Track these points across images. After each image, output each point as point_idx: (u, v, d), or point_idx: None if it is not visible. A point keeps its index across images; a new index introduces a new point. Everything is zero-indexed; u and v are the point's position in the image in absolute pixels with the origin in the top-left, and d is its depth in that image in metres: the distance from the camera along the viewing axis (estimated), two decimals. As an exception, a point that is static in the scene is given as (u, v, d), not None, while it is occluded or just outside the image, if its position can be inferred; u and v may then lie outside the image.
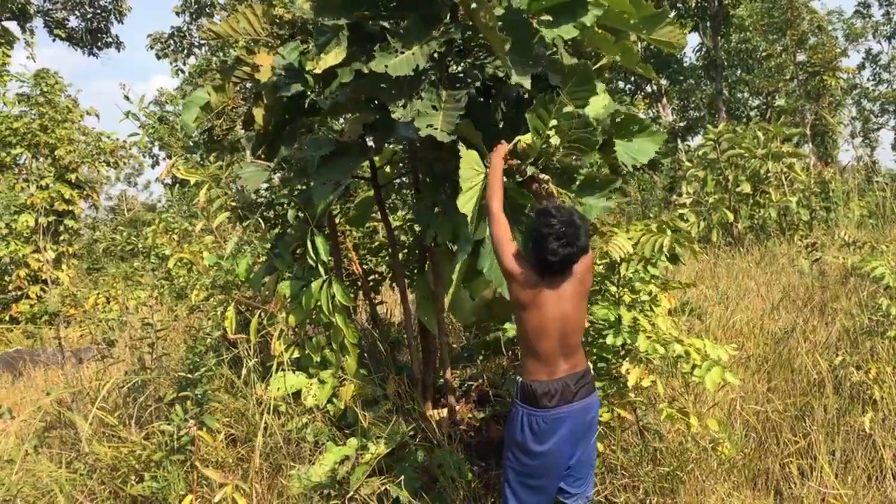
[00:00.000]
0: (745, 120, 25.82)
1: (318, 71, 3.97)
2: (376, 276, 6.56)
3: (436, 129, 3.80)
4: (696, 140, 26.35)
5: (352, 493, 4.33)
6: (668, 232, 4.11)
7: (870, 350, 4.69)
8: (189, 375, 4.39)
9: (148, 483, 4.12)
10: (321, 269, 4.66)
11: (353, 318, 5.18)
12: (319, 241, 4.61)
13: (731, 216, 10.42)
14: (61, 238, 12.84)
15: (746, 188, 10.50)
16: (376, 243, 6.43)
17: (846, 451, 4.07)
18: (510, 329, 5.18)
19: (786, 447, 4.22)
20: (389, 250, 5.54)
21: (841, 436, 4.13)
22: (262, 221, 5.30)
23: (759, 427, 4.32)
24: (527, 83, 3.74)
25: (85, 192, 12.99)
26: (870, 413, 4.11)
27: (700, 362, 3.77)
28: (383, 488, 4.47)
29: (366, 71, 3.95)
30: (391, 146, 5.41)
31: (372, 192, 5.34)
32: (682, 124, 30.20)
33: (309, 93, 4.42)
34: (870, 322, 4.89)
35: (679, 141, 25.99)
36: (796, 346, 4.93)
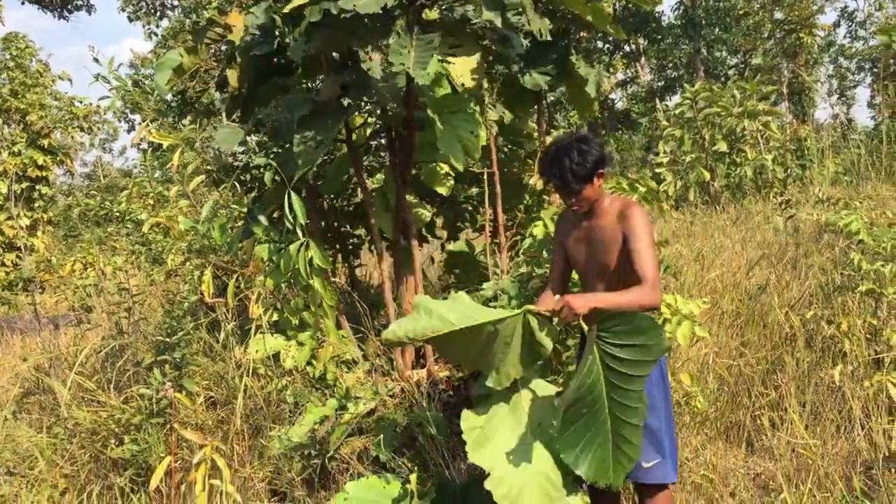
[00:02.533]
0: (722, 79, 25.83)
1: (286, 10, 3.94)
2: (355, 239, 6.56)
3: (407, 67, 3.79)
4: (675, 99, 26.36)
5: (332, 452, 4.38)
6: (639, 189, 4.15)
7: (841, 304, 4.76)
8: (167, 339, 4.39)
9: (128, 446, 4.14)
10: (299, 232, 4.65)
11: (332, 281, 5.18)
12: (297, 203, 4.59)
13: (707, 175, 10.47)
14: (35, 205, 12.69)
15: (723, 147, 10.54)
16: (354, 206, 6.40)
17: (816, 403, 4.15)
18: (487, 290, 5.20)
19: (757, 400, 4.31)
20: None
21: (811, 388, 4.21)
22: (238, 185, 5.27)
23: (731, 381, 4.40)
24: (498, 21, 3.78)
25: (58, 158, 12.82)
26: (840, 366, 4.19)
27: (671, 317, 3.82)
28: (363, 447, 4.52)
29: (335, 12, 3.88)
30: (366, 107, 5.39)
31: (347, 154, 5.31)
32: (660, 84, 30.21)
33: (283, 45, 4.38)
34: (842, 277, 4.96)
35: (657, 100, 25.98)
36: (769, 301, 5.00)
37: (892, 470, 3.31)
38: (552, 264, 3.47)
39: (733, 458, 4.02)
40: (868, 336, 4.40)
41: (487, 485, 2.89)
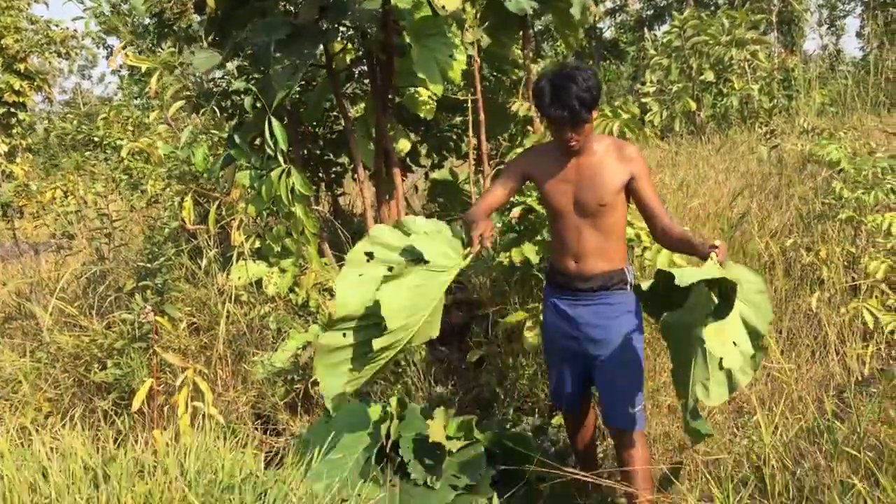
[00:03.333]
0: (712, 7, 25.46)
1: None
2: (337, 167, 6.51)
3: None
4: (664, 28, 26.00)
5: (314, 377, 4.42)
6: (621, 116, 4.12)
7: (821, 233, 4.79)
8: (148, 265, 4.39)
9: (111, 370, 4.16)
10: (280, 159, 4.60)
11: (314, 209, 5.16)
12: (277, 128, 4.53)
13: (693, 105, 10.41)
14: (14, 131, 12.47)
15: (710, 76, 10.46)
16: (336, 134, 6.34)
17: (792, 329, 4.21)
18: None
19: (735, 327, 4.35)
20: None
21: (788, 315, 4.26)
22: (217, 111, 5.19)
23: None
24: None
25: (36, 84, 12.54)
26: (817, 293, 4.24)
27: (651, 245, 3.84)
28: (346, 373, 4.57)
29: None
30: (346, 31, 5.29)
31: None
32: (649, 13, 29.76)
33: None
34: (822, 206, 4.98)
35: (646, 29, 25.63)
36: (750, 230, 5.02)
37: (864, 393, 3.37)
38: (493, 188, 3.21)
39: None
40: (846, 264, 4.45)
41: None
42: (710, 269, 2.59)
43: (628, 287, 3.14)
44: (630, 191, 3.05)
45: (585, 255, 3.10)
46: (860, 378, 3.73)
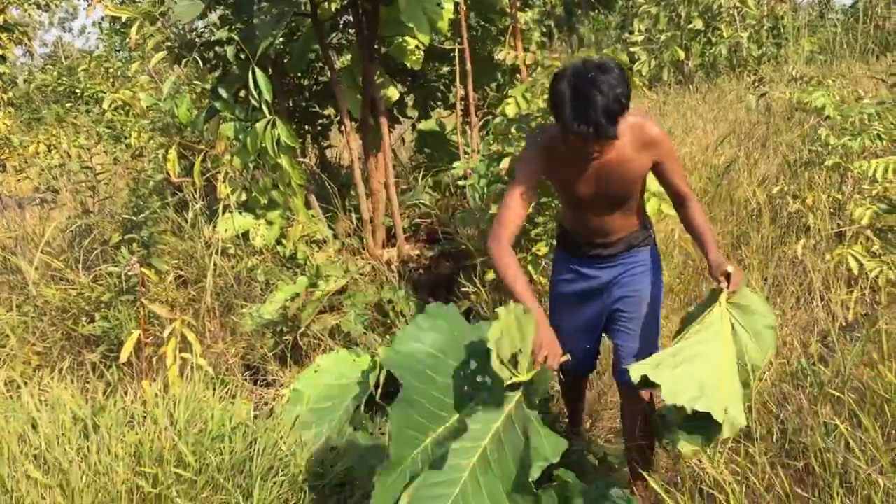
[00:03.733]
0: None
1: None
2: (324, 119, 6.45)
3: None
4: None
5: (303, 328, 4.44)
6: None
7: (808, 180, 4.80)
8: (133, 218, 4.36)
9: (99, 323, 4.16)
10: (265, 110, 4.55)
11: (300, 161, 5.12)
12: (262, 79, 4.48)
13: (682, 54, 10.33)
14: (-6, 84, 12.29)
15: (699, 24, 10.37)
16: (322, 85, 6.27)
17: (778, 276, 4.24)
18: (458, 167, 5.18)
19: (721, 274, 4.38)
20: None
21: (774, 262, 4.29)
22: (200, 61, 5.11)
23: (696, 256, 4.46)
24: None
25: (16, 36, 12.32)
26: (803, 240, 4.26)
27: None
28: (334, 324, 4.59)
29: None
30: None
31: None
32: (638, -39, 29.37)
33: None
34: (809, 153, 4.98)
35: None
36: (737, 178, 5.03)
37: (848, 337, 3.41)
38: (512, 208, 2.75)
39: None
40: (832, 211, 4.46)
41: None
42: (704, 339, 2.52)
43: (652, 243, 3.04)
44: (655, 172, 2.83)
45: (609, 233, 2.91)
46: (844, 323, 3.76)
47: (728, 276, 2.58)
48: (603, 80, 2.42)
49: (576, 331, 3.09)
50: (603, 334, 3.15)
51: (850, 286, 4.06)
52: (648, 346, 2.98)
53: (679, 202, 2.90)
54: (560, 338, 2.74)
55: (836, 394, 2.72)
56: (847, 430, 2.46)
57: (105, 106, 5.05)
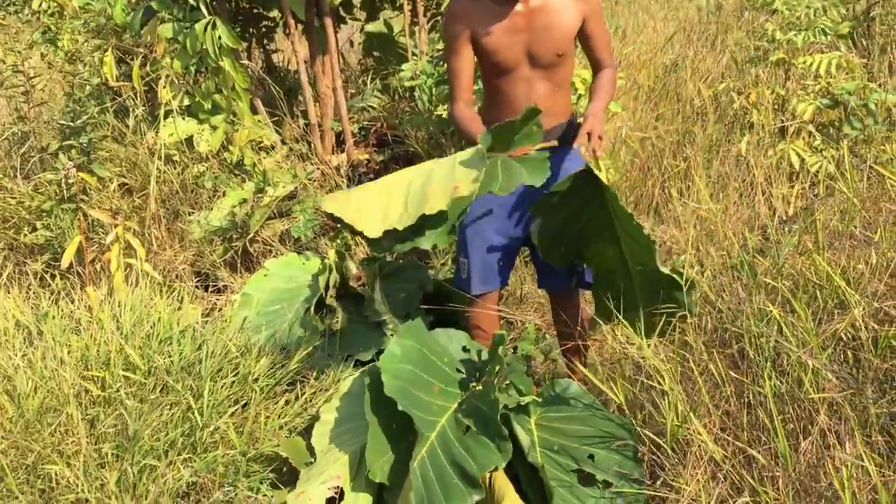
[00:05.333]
0: None
1: None
2: (268, 21, 6.26)
3: None
4: None
5: (252, 234, 4.42)
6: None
7: (754, 77, 4.82)
8: (71, 124, 4.24)
9: (41, 232, 4.10)
10: (203, 10, 4.40)
11: (244, 64, 4.98)
12: (198, -24, 4.31)
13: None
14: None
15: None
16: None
17: (722, 173, 4.29)
18: (407, 70, 5.10)
19: (666, 171, 4.43)
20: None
21: (718, 159, 4.34)
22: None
23: (643, 154, 4.49)
24: None
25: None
26: (746, 136, 4.30)
27: (585, 92, 3.82)
28: (284, 230, 4.57)
29: None
30: None
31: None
32: None
33: None
34: (755, 50, 4.98)
35: None
36: (684, 76, 5.03)
37: (787, 230, 3.49)
38: (458, 71, 2.73)
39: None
40: (775, 107, 4.50)
41: None
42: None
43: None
44: (580, 37, 2.74)
45: (550, 107, 2.73)
46: (784, 217, 3.84)
47: (589, 137, 2.56)
48: None
49: (496, 242, 2.97)
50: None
51: (792, 181, 4.13)
52: None
53: (598, 70, 2.85)
54: (470, 256, 2.91)
55: (771, 282, 2.79)
56: (780, 315, 2.54)
57: (34, 6, 4.82)
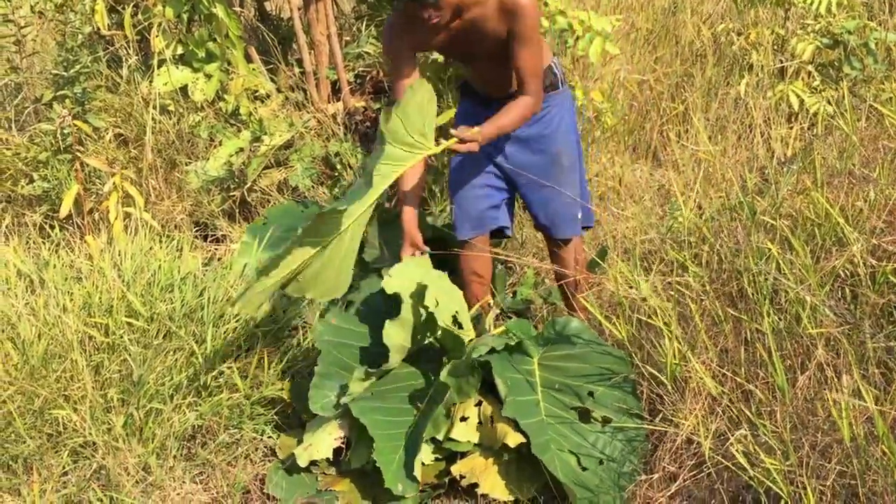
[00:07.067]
0: None
1: None
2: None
3: None
4: None
5: (250, 184, 4.41)
6: None
7: (753, 17, 4.77)
8: (64, 74, 4.20)
9: (38, 183, 4.09)
10: (194, -45, 4.33)
11: (237, 9, 4.92)
12: (188, -80, 4.24)
13: None
14: None
15: None
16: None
17: (721, 115, 4.27)
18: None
19: (665, 115, 4.41)
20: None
21: (717, 101, 4.31)
22: None
23: (641, 97, 4.46)
24: None
25: None
26: (746, 78, 4.27)
27: (583, 34, 3.78)
28: (282, 179, 4.56)
29: None
30: None
31: None
32: None
33: None
34: (755, -10, 4.93)
35: None
36: (684, 18, 4.97)
37: (785, 170, 3.48)
38: (397, 83, 2.83)
39: (640, 170, 4.19)
40: (775, 47, 4.46)
41: None
42: None
43: (561, 85, 2.96)
44: (508, 49, 2.71)
45: (504, 83, 2.86)
46: (783, 158, 3.84)
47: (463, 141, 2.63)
48: None
49: (484, 180, 3.04)
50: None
51: (791, 122, 4.11)
52: (571, 205, 3.04)
53: (519, 93, 2.80)
54: (462, 195, 3.03)
55: (770, 221, 2.80)
56: (778, 253, 2.55)
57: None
